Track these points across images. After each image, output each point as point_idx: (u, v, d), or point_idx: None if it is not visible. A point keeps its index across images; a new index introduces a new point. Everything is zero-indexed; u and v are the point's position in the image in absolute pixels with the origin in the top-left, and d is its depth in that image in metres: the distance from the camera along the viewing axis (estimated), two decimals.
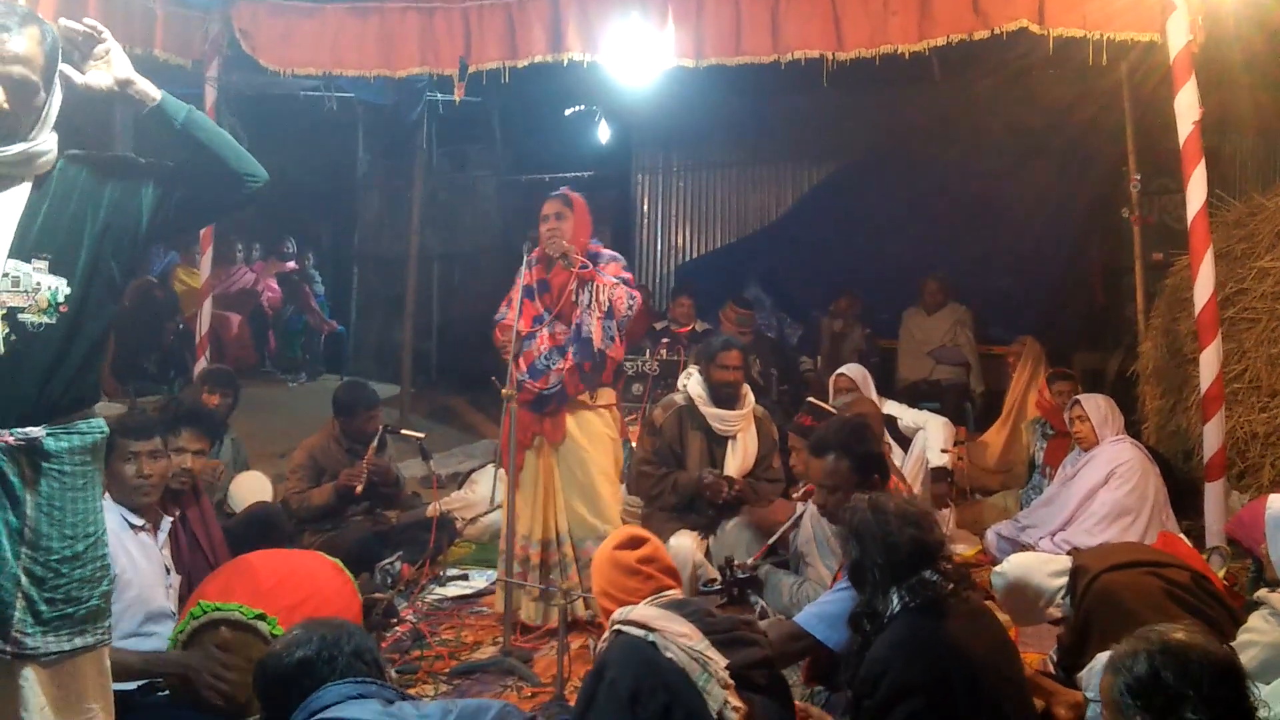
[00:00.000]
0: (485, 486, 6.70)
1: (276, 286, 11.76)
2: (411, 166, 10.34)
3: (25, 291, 2.51)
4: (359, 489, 5.61)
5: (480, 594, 5.55)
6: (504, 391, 4.62)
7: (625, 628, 2.86)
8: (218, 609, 3.47)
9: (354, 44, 6.36)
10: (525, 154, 12.19)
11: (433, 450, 6.23)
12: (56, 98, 2.58)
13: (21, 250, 2.52)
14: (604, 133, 11.01)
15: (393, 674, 4.03)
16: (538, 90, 8.33)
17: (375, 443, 5.77)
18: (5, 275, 2.49)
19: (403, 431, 6.15)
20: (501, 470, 4.90)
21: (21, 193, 2.55)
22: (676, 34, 5.84)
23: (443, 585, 5.63)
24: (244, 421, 6.20)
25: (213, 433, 4.67)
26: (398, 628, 4.81)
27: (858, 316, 9.40)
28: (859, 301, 9.42)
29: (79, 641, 2.62)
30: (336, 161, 12.50)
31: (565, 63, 6.07)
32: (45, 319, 2.54)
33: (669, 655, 2.75)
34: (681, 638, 2.78)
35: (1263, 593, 3.50)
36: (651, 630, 2.80)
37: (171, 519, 4.03)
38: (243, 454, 6.02)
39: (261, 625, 3.43)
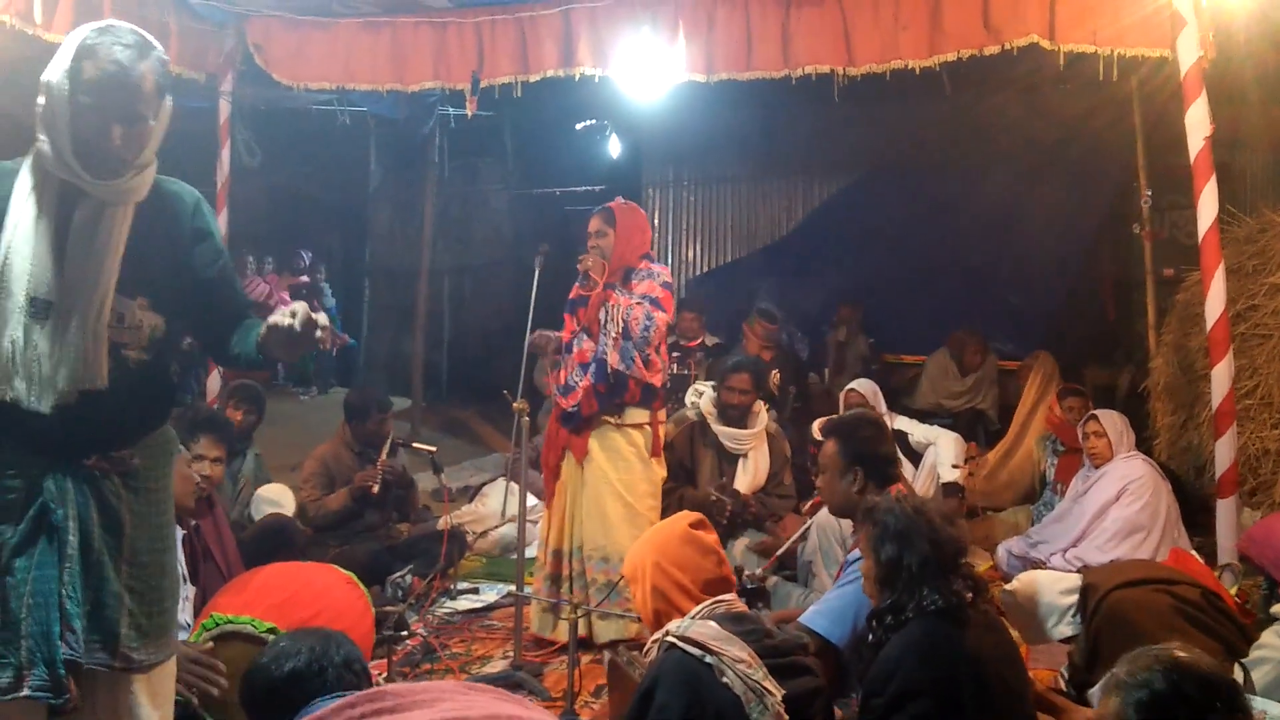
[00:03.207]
0: (496, 500, 6.71)
1: (289, 299, 11.80)
2: (423, 180, 10.38)
3: (130, 329, 2.56)
4: (375, 488, 5.63)
5: (490, 608, 5.55)
6: (515, 405, 4.63)
7: (682, 645, 2.72)
8: (230, 622, 3.47)
9: (367, 58, 6.39)
10: (536, 168, 12.23)
11: (443, 464, 6.24)
12: (162, 120, 2.58)
13: (125, 286, 2.55)
14: (615, 147, 11.03)
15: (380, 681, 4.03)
16: (549, 104, 8.37)
17: (387, 447, 5.81)
18: (112, 310, 2.53)
19: (414, 445, 6.17)
20: (513, 484, 4.93)
21: (125, 222, 2.56)
22: (687, 49, 5.85)
23: (453, 599, 5.63)
24: (257, 435, 6.21)
25: (230, 441, 4.69)
26: (409, 641, 4.82)
27: (860, 325, 9.37)
28: (860, 310, 9.40)
29: (169, 650, 2.74)
30: (348, 175, 12.54)
31: (577, 77, 6.09)
32: (145, 355, 2.60)
33: (725, 681, 2.63)
34: (740, 664, 2.66)
35: (1276, 609, 3.49)
36: (710, 652, 2.67)
37: (184, 531, 4.04)
38: (264, 470, 6.05)
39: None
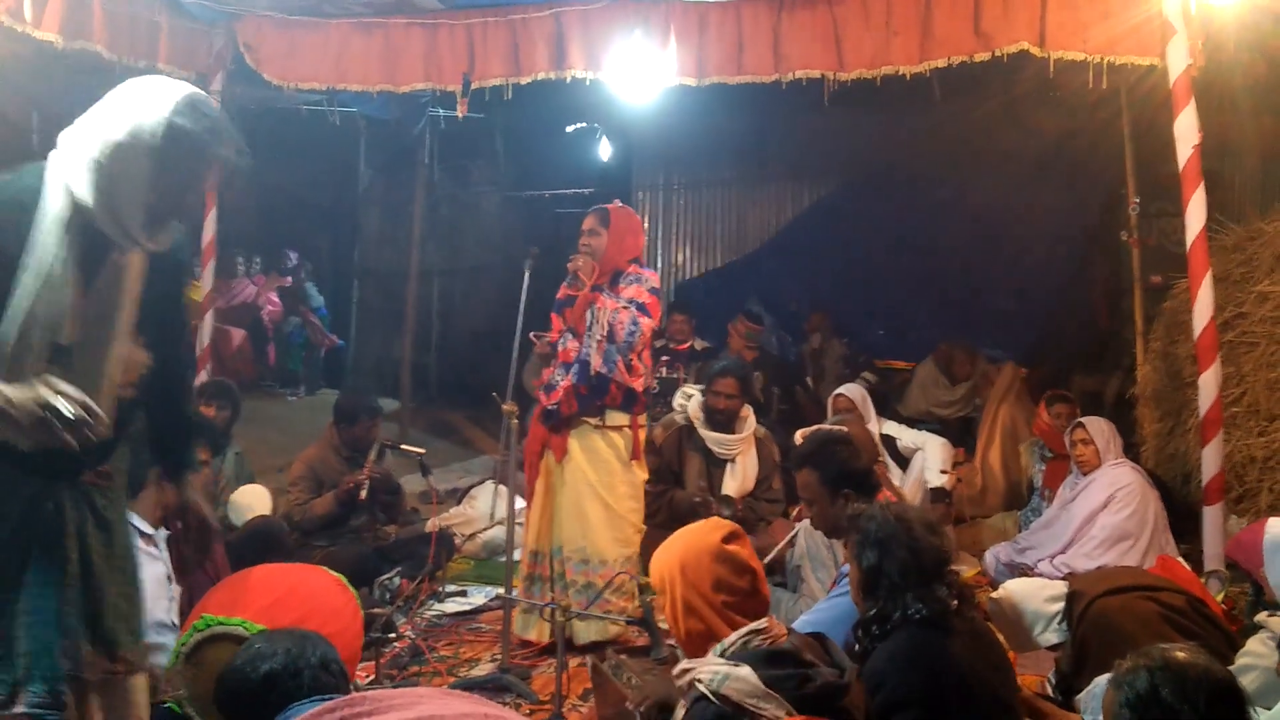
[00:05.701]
0: (484, 502, 6.70)
1: (277, 300, 11.76)
2: (413, 182, 10.36)
3: (128, 368, 2.62)
4: (363, 494, 5.62)
5: (478, 610, 5.54)
6: (505, 408, 4.62)
7: (716, 701, 2.51)
8: (221, 624, 3.44)
9: (358, 59, 6.39)
10: (527, 170, 12.22)
11: (432, 466, 6.23)
12: None
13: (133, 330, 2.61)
14: (605, 150, 11.02)
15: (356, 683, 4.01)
16: (540, 107, 8.35)
17: (374, 451, 5.79)
18: (121, 357, 2.58)
19: (402, 447, 6.15)
20: (501, 486, 4.91)
21: (141, 269, 2.59)
22: (679, 53, 5.86)
23: (441, 601, 5.62)
24: (243, 435, 6.19)
25: (214, 443, 4.67)
26: (396, 643, 4.80)
27: (833, 330, 9.36)
28: (830, 315, 9.39)
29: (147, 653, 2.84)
30: (338, 176, 12.52)
31: (568, 80, 6.09)
32: (134, 391, 2.67)
33: None
34: None
35: (1262, 616, 3.50)
36: (745, 713, 2.48)
37: (170, 531, 4.02)
38: (246, 468, 6.02)
39: None
